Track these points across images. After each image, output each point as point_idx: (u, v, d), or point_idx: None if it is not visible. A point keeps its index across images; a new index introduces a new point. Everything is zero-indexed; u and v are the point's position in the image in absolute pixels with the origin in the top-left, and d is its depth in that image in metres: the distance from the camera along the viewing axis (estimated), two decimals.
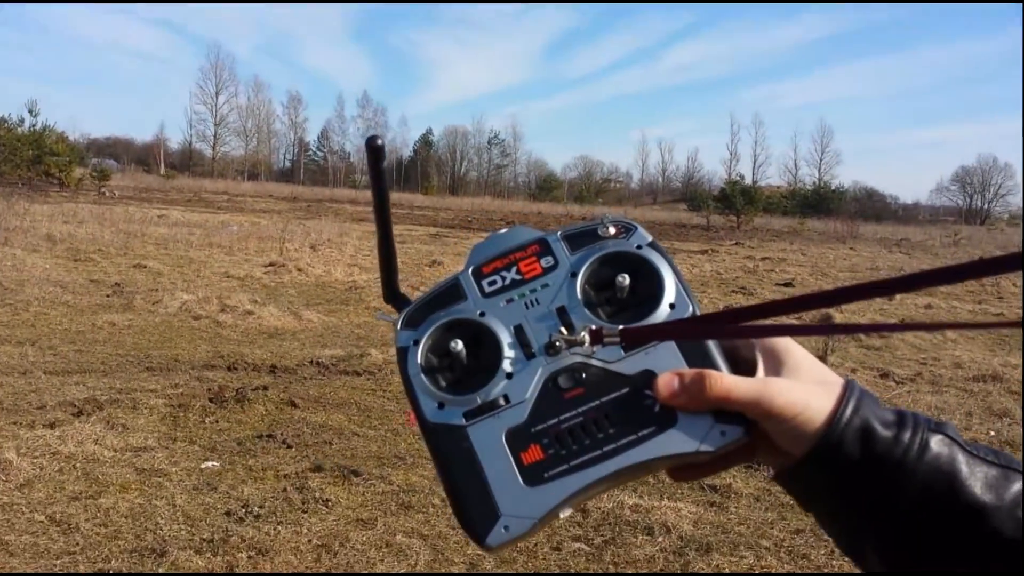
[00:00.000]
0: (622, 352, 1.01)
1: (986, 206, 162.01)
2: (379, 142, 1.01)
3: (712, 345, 1.00)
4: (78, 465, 7.69)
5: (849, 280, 29.06)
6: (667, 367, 0.99)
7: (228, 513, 6.90)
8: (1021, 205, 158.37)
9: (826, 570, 6.45)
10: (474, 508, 0.97)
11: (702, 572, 6.34)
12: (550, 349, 1.02)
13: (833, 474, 0.93)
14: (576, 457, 0.97)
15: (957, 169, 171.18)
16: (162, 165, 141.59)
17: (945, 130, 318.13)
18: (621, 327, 1.00)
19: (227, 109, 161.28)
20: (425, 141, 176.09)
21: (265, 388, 10.32)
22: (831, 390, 0.95)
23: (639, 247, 1.07)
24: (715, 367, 0.98)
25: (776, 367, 1.00)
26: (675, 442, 0.96)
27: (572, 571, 6.27)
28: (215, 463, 7.97)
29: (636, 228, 1.10)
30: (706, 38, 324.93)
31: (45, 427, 8.52)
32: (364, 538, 6.58)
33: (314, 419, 9.46)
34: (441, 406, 1.02)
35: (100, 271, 20.57)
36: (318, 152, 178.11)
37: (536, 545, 6.48)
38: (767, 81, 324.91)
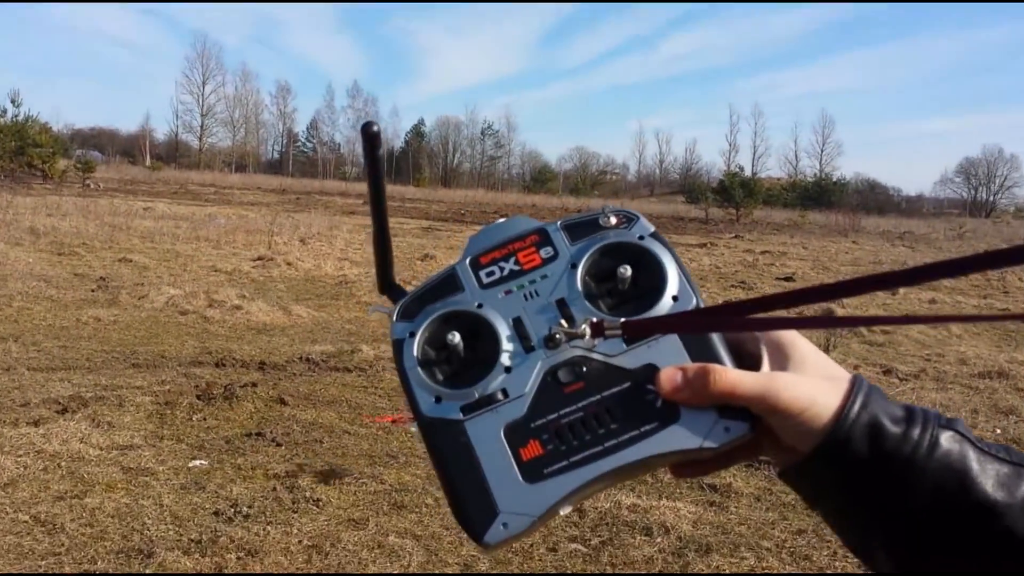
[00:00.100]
0: (624, 345, 1.00)
1: (991, 198, 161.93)
2: (375, 128, 1.01)
3: (716, 338, 1.00)
4: (63, 464, 7.68)
5: (852, 274, 29.02)
6: (670, 361, 0.99)
7: (216, 513, 6.90)
8: None
9: (829, 571, 6.46)
10: (472, 505, 0.97)
11: (702, 573, 6.34)
12: (550, 342, 1.01)
13: (841, 471, 0.92)
14: (576, 453, 0.97)
15: (962, 160, 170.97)
16: (148, 156, 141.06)
17: (949, 120, 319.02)
18: (623, 320, 1.00)
19: (214, 99, 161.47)
20: (417, 132, 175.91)
21: (254, 385, 10.31)
22: (838, 385, 0.95)
23: (641, 237, 1.07)
24: (719, 361, 0.98)
25: (782, 361, 0.99)
26: (678, 438, 0.96)
27: (568, 572, 6.27)
28: (203, 462, 7.97)
29: (638, 218, 1.09)
30: (705, 26, 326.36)
31: (29, 425, 8.51)
32: (356, 539, 6.58)
33: (304, 417, 9.45)
34: (438, 400, 1.02)
35: (85, 265, 20.52)
36: (307, 143, 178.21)
37: (532, 546, 6.48)
38: (767, 70, 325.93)
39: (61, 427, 8.44)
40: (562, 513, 0.98)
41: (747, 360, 1.01)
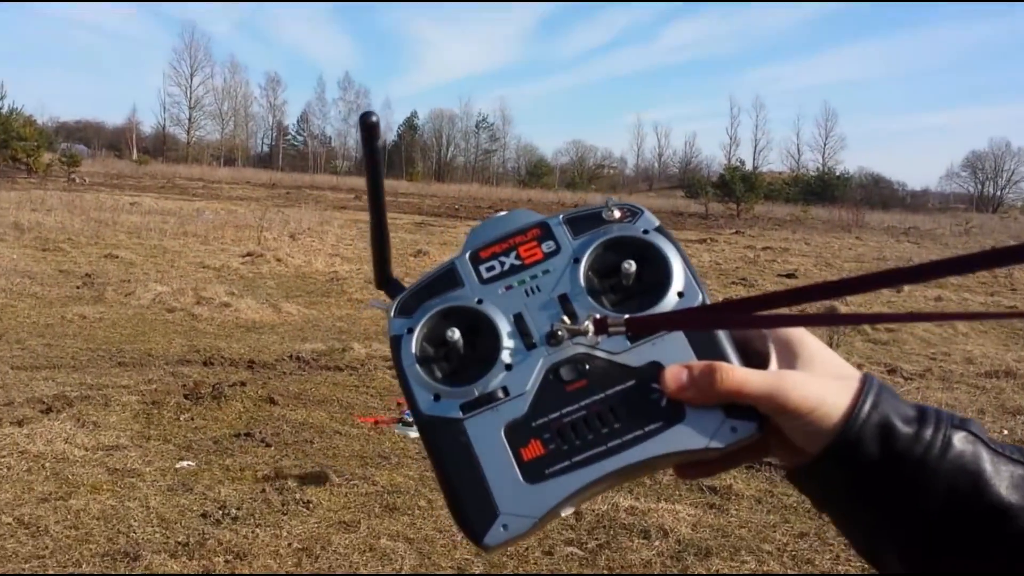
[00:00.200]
0: (628, 343, 1.00)
1: (999, 193, 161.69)
2: (373, 119, 1.00)
3: (723, 336, 0.99)
4: (47, 465, 7.67)
5: (855, 271, 29.09)
6: (675, 359, 0.98)
7: (204, 515, 6.89)
8: None
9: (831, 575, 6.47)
10: (471, 506, 0.96)
11: None
12: (551, 339, 1.01)
13: (851, 473, 0.92)
14: (578, 453, 0.96)
15: (968, 154, 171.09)
16: (134, 150, 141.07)
17: (956, 113, 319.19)
18: (627, 316, 0.99)
19: (202, 91, 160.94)
20: (410, 125, 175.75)
21: (243, 384, 10.31)
22: (848, 384, 0.94)
23: (645, 232, 1.06)
24: (726, 359, 0.97)
25: (790, 360, 0.99)
26: (683, 438, 0.95)
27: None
28: (190, 463, 7.96)
29: (642, 212, 1.09)
30: (705, 16, 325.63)
31: (12, 425, 8.50)
32: (347, 541, 6.58)
33: (294, 416, 9.45)
34: (437, 398, 1.01)
35: (70, 261, 20.52)
36: (298, 136, 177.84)
37: (527, 549, 6.48)
38: (769, 62, 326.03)
39: (45, 427, 8.43)
40: (564, 515, 0.98)
41: (754, 358, 1.00)
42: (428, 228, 38.87)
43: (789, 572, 6.46)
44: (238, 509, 6.96)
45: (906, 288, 24.13)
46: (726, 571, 6.42)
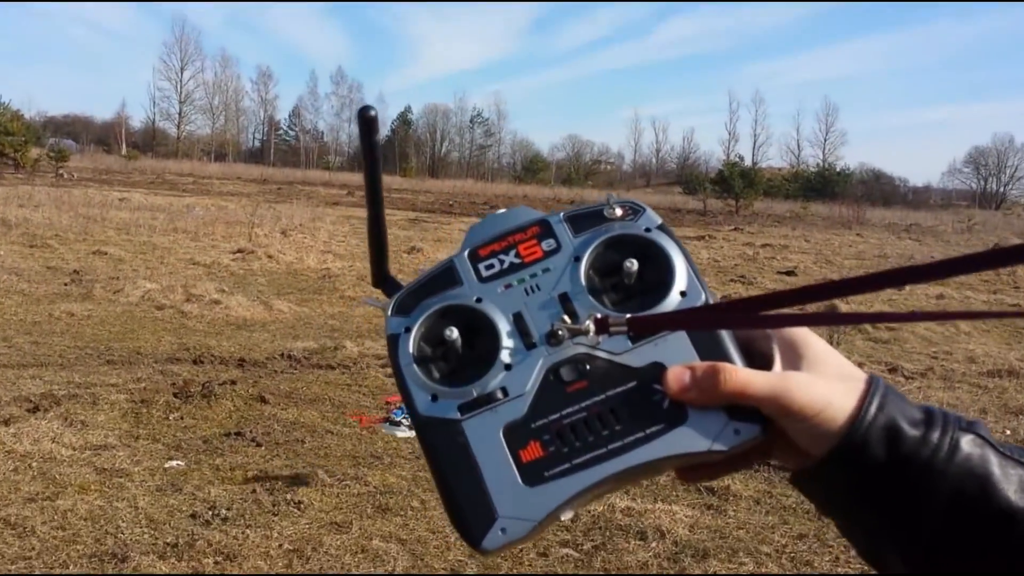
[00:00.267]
0: (629, 343, 0.99)
1: (1002, 189, 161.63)
2: (372, 112, 0.99)
3: (726, 336, 0.99)
4: (34, 464, 7.67)
5: (855, 268, 29.12)
6: (677, 359, 0.97)
7: (194, 515, 6.88)
8: None
9: None
10: (469, 509, 0.95)
11: None
12: (552, 339, 1.00)
13: (856, 476, 0.91)
14: (579, 455, 0.95)
15: (971, 150, 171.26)
16: (123, 145, 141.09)
17: (958, 108, 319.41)
18: (629, 315, 0.98)
19: (192, 85, 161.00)
20: (403, 120, 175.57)
21: (233, 383, 10.30)
22: (854, 386, 0.94)
23: (648, 230, 1.06)
24: (729, 360, 0.97)
25: (794, 361, 0.98)
26: (685, 440, 0.95)
27: None
28: (180, 462, 7.96)
29: (644, 209, 1.08)
30: (704, 10, 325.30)
31: None
32: (338, 542, 6.58)
33: (285, 416, 9.46)
34: (435, 399, 1.00)
35: (58, 258, 20.53)
36: (289, 131, 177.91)
37: (522, 550, 6.47)
38: (769, 56, 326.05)
39: (32, 426, 8.42)
40: (563, 518, 0.97)
41: (758, 359, 0.99)
42: (422, 224, 38.81)
43: (787, 574, 6.47)
44: (228, 510, 6.95)
45: (907, 287, 24.13)
46: (723, 573, 6.42)
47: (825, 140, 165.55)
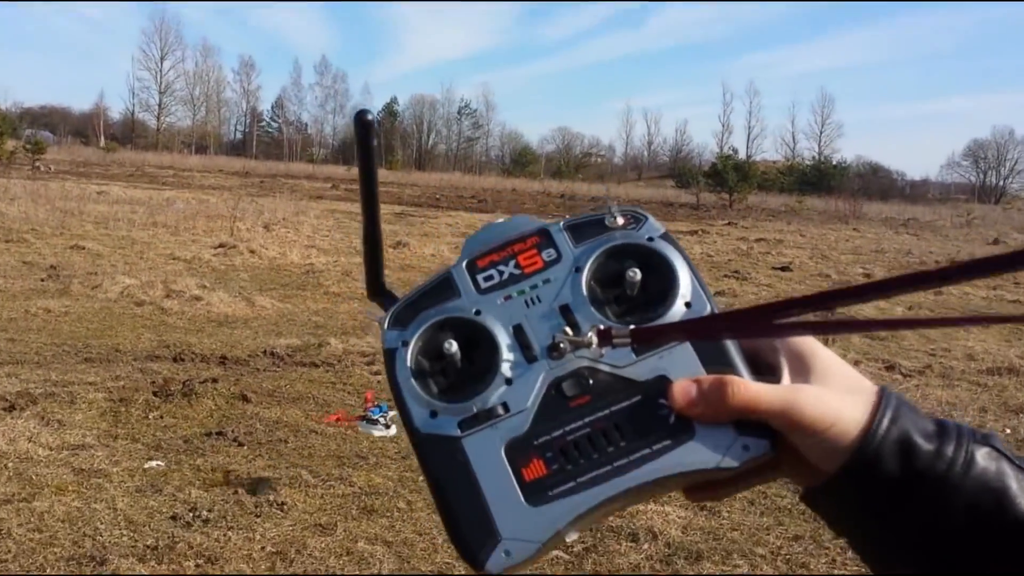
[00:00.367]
0: (633, 355, 0.98)
1: (1001, 183, 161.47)
2: (369, 117, 0.99)
3: (732, 348, 0.98)
4: (10, 465, 7.64)
5: (851, 263, 29.18)
6: (683, 372, 0.96)
7: (174, 517, 6.87)
8: None
9: None
10: (471, 530, 0.94)
11: None
12: (553, 351, 0.99)
13: (869, 492, 0.90)
14: (583, 473, 0.94)
15: (970, 142, 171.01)
16: (102, 137, 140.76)
17: (958, 100, 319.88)
18: (632, 327, 0.97)
19: (173, 76, 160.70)
20: (389, 111, 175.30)
21: (214, 381, 10.29)
22: (865, 398, 0.93)
23: (650, 239, 1.05)
24: (737, 372, 0.96)
25: (803, 373, 0.97)
26: (694, 456, 0.94)
27: None
28: (159, 463, 7.94)
29: (647, 218, 1.07)
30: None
31: None
32: (323, 545, 6.57)
33: (268, 415, 9.44)
34: (434, 415, 0.99)
35: (34, 253, 20.48)
36: (272, 123, 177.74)
37: None
38: (764, 47, 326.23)
39: (8, 425, 8.40)
40: (568, 540, 0.96)
41: (764, 371, 0.98)
42: (408, 219, 38.81)
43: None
44: (209, 511, 6.94)
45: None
46: (717, 575, 6.43)
47: (821, 132, 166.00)
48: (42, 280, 16.97)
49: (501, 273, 1.05)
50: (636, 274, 1.01)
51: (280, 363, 11.64)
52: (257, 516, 6.95)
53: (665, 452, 0.94)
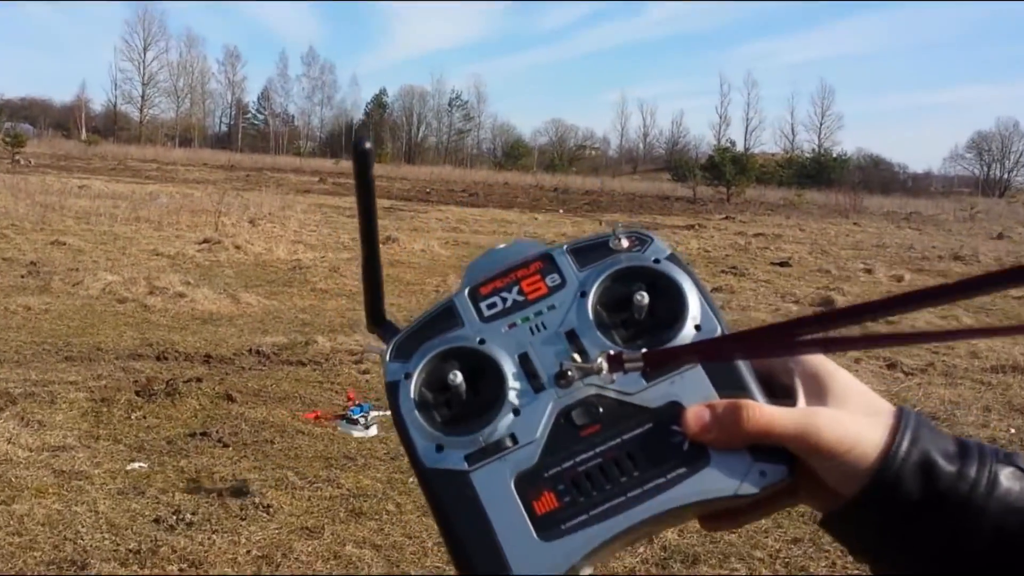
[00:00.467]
0: (643, 381, 0.97)
1: (1005, 176, 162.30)
2: (367, 145, 0.98)
3: (745, 371, 0.97)
4: None
5: (851, 258, 29.16)
6: (695, 397, 0.95)
7: (157, 520, 6.86)
8: None
9: None
10: (482, 567, 0.93)
11: None
12: (561, 379, 0.97)
13: (890, 516, 0.89)
14: (597, 505, 0.93)
15: (974, 135, 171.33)
16: (83, 130, 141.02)
17: (961, 91, 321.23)
18: (644, 350, 0.96)
19: (156, 66, 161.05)
20: (378, 103, 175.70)
21: (199, 380, 10.28)
22: (883, 420, 0.92)
23: (657, 261, 1.04)
24: (751, 396, 0.94)
25: (819, 394, 0.95)
26: (709, 484, 0.92)
27: None
28: (142, 464, 7.93)
29: (652, 239, 1.06)
30: None
31: None
32: (309, 548, 6.57)
33: (253, 415, 9.44)
34: (439, 448, 0.98)
35: (14, 248, 20.45)
36: (258, 115, 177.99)
37: None
38: (762, 36, 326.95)
39: None
40: (583, 574, 0.94)
41: (779, 394, 0.97)
42: (398, 213, 38.88)
43: None
44: (193, 514, 6.93)
45: (907, 280, 24.21)
46: None
47: (821, 124, 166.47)
48: (22, 277, 16.96)
49: (504, 300, 1.05)
50: (643, 297, 1.00)
51: (266, 362, 11.64)
52: (242, 519, 6.94)
53: (680, 481, 0.93)
